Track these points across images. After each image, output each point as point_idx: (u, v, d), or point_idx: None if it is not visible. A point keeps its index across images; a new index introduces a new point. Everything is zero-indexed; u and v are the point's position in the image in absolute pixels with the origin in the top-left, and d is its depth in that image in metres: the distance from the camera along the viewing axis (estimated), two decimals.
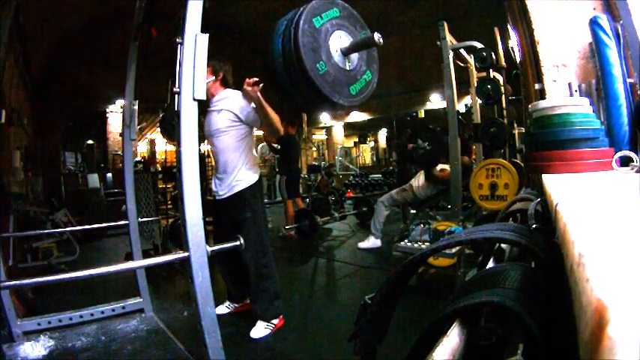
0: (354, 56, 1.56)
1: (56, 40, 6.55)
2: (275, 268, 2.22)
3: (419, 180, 3.66)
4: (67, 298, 2.45)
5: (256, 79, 1.86)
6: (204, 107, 2.12)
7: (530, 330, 0.36)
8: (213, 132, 2.09)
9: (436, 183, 3.49)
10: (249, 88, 1.87)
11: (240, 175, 2.09)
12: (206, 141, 2.33)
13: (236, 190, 2.09)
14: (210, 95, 2.10)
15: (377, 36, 1.43)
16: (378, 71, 1.67)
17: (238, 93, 2.06)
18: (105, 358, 1.83)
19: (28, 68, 5.15)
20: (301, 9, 1.40)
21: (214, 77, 2.11)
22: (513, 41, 2.78)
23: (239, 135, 2.07)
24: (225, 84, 2.16)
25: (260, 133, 4.69)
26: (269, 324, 2.12)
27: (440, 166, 3.49)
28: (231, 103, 2.05)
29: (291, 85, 1.46)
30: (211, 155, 2.21)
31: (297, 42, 1.33)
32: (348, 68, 1.51)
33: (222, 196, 2.12)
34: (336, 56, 1.47)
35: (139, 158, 8.39)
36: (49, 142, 7.29)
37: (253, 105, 1.96)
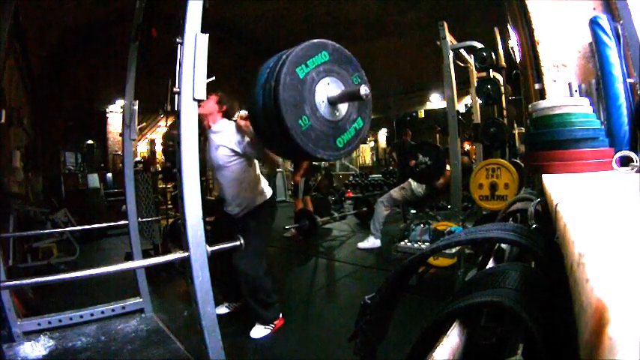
0: (344, 104, 1.41)
1: (56, 40, 6.55)
2: (268, 279, 2.18)
3: None
4: (67, 298, 2.45)
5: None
6: (203, 133, 2.13)
7: (530, 330, 0.36)
8: (215, 168, 2.11)
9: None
10: (242, 122, 1.90)
11: (250, 201, 2.15)
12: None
13: (245, 211, 2.16)
14: (207, 123, 2.10)
15: (363, 90, 1.26)
16: (371, 115, 1.52)
17: (232, 125, 2.06)
18: (105, 358, 1.84)
19: (28, 68, 5.15)
20: (284, 56, 1.25)
21: (218, 107, 2.09)
22: (513, 41, 2.78)
23: (240, 167, 2.09)
24: (225, 116, 2.14)
25: None
26: (268, 325, 2.13)
27: None
28: (226, 138, 2.04)
29: (273, 140, 1.38)
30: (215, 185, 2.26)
31: (277, 98, 1.20)
32: (335, 119, 1.37)
33: (231, 214, 2.18)
34: (322, 107, 1.32)
35: (139, 158, 8.40)
36: (49, 142, 7.29)
37: (248, 139, 1.97)
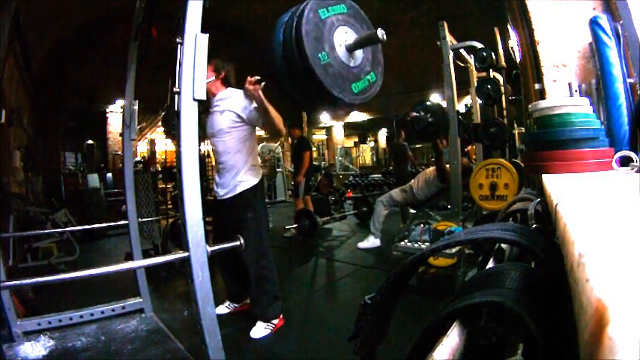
0: (359, 55, 1.48)
1: (56, 40, 6.55)
2: (275, 270, 2.21)
3: (419, 181, 3.65)
4: (67, 298, 2.45)
5: (258, 77, 1.84)
6: (205, 107, 2.12)
7: (530, 330, 0.36)
8: (216, 132, 2.08)
9: (439, 177, 3.44)
10: (250, 87, 1.84)
11: (242, 176, 2.08)
12: (207, 141, 2.32)
13: (238, 191, 2.08)
14: (211, 94, 2.08)
15: (380, 32, 1.35)
16: (383, 75, 1.60)
17: (240, 92, 2.04)
18: (105, 358, 1.83)
19: (28, 68, 5.15)
20: (307, 0, 1.35)
21: (215, 76, 2.09)
22: (513, 41, 2.78)
23: (241, 136, 2.06)
24: (226, 83, 2.14)
25: (262, 132, 4.71)
26: (269, 324, 2.13)
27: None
28: (233, 102, 2.03)
29: (289, 75, 1.39)
30: (212, 155, 2.20)
31: (299, 29, 1.26)
32: (351, 65, 1.44)
33: (224, 197, 2.12)
34: (340, 51, 1.39)
35: (139, 158, 8.39)
36: (49, 142, 7.29)
37: (255, 105, 1.95)
